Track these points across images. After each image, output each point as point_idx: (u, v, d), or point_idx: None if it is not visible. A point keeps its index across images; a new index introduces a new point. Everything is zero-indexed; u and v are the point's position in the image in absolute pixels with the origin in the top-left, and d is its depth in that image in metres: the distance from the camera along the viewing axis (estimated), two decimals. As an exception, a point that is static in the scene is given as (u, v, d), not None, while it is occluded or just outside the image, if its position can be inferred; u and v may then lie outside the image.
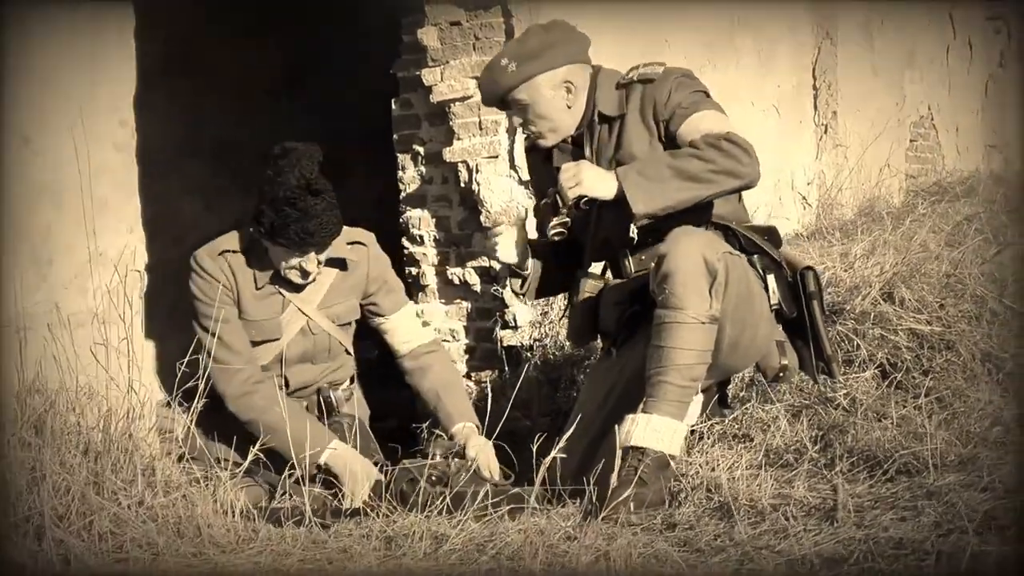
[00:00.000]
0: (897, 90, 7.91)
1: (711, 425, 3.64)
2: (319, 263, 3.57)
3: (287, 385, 3.72)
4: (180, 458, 3.25)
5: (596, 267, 3.76)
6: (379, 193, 5.61)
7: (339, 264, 3.71)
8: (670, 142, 3.40)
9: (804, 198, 6.58)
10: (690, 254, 3.14)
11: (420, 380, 3.84)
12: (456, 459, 3.45)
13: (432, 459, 3.39)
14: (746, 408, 3.72)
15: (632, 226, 3.32)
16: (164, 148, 7.13)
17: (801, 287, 3.41)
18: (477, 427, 3.74)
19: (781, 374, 3.46)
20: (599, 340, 3.80)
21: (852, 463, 3.17)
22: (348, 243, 3.71)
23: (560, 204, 3.36)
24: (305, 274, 3.57)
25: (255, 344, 3.63)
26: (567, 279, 3.86)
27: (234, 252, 3.58)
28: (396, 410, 4.67)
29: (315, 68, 7.52)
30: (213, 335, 3.47)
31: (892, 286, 4.20)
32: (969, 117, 9.33)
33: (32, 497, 2.71)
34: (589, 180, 3.29)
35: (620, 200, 3.25)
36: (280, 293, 3.65)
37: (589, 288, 3.62)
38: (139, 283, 3.36)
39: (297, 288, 3.65)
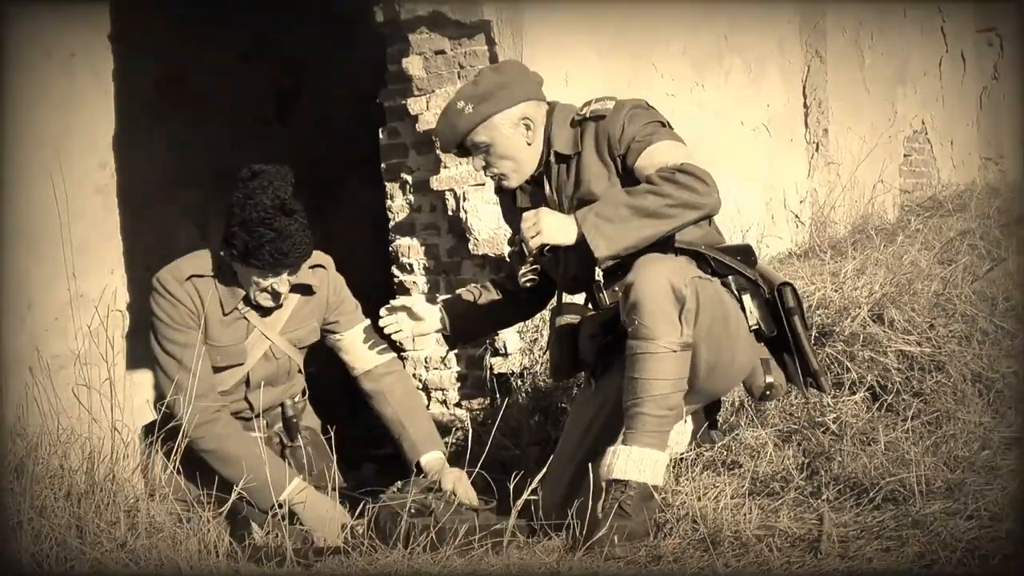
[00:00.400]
0: (889, 105, 7.92)
1: (700, 452, 3.63)
2: (289, 285, 3.57)
3: (251, 408, 3.71)
4: (163, 498, 3.23)
5: (576, 297, 3.76)
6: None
7: (303, 289, 3.70)
8: (628, 177, 3.38)
9: (797, 216, 6.57)
10: (656, 282, 3.11)
11: (382, 406, 3.81)
12: (436, 492, 3.43)
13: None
14: (736, 433, 3.71)
15: (597, 268, 3.32)
16: (157, 179, 7.22)
17: (780, 304, 3.38)
18: (444, 453, 3.72)
19: (768, 392, 3.42)
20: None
21: (839, 491, 3.16)
22: (310, 266, 3.69)
23: (526, 252, 3.37)
24: (276, 296, 3.56)
25: (220, 369, 3.62)
26: (531, 310, 3.92)
27: (201, 276, 3.55)
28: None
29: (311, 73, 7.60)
30: (175, 359, 3.46)
31: (882, 307, 4.19)
32: (964, 130, 9.34)
33: (12, 544, 2.70)
34: (549, 228, 3.26)
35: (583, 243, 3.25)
36: (245, 318, 3.64)
37: (566, 320, 3.61)
38: (121, 323, 3.33)
39: (265, 312, 3.64)
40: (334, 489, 3.52)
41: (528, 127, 3.50)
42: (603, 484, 3.10)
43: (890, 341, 4.01)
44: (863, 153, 7.00)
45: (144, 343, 3.44)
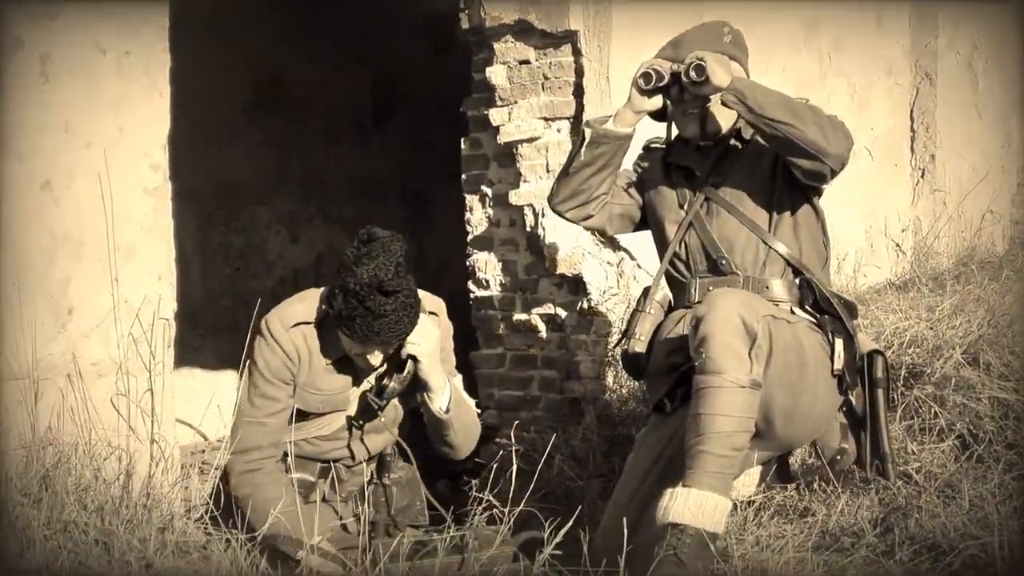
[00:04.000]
0: (1004, 132, 7.52)
1: (770, 496, 3.42)
2: (385, 357, 3.40)
3: (353, 457, 3.55)
4: (199, 518, 3.11)
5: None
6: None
7: None
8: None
9: (898, 245, 6.27)
10: (726, 316, 2.99)
11: None
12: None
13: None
14: (811, 478, 3.48)
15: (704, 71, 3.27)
16: (252, 182, 7.23)
17: (868, 372, 3.27)
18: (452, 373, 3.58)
19: (839, 457, 3.29)
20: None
21: (914, 551, 2.91)
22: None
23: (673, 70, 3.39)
24: (368, 364, 3.40)
25: (322, 415, 3.47)
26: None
27: (308, 324, 3.39)
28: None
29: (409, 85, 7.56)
30: (253, 406, 3.33)
31: (978, 348, 3.92)
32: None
33: (29, 557, 2.57)
34: (713, 58, 3.28)
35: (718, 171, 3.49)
36: (351, 367, 3.48)
37: (652, 314, 3.51)
38: (165, 332, 3.20)
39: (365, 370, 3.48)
40: (411, 525, 3.43)
41: None
42: (659, 528, 2.92)
43: (984, 386, 3.75)
44: (972, 181, 6.65)
45: (190, 352, 3.33)
